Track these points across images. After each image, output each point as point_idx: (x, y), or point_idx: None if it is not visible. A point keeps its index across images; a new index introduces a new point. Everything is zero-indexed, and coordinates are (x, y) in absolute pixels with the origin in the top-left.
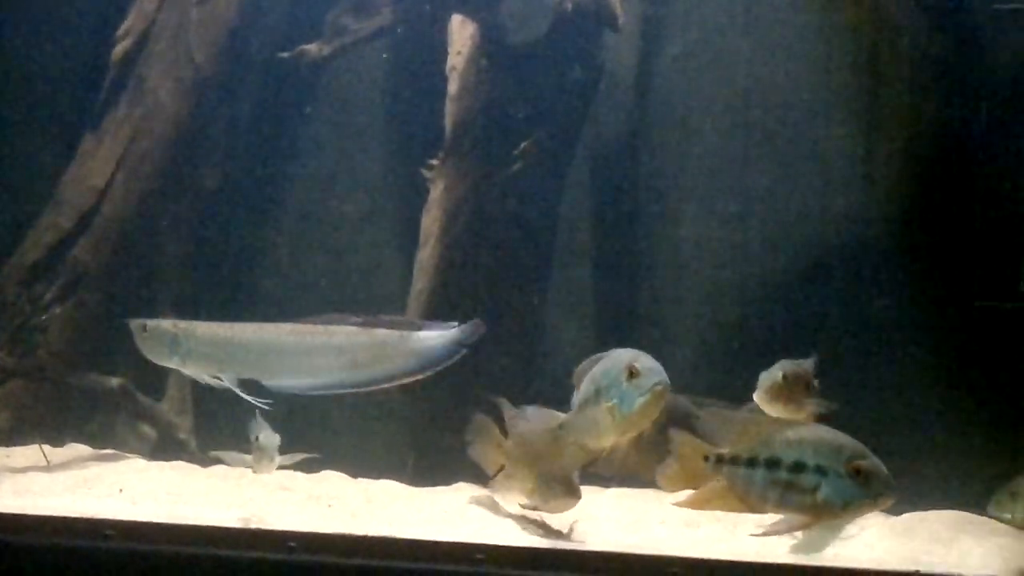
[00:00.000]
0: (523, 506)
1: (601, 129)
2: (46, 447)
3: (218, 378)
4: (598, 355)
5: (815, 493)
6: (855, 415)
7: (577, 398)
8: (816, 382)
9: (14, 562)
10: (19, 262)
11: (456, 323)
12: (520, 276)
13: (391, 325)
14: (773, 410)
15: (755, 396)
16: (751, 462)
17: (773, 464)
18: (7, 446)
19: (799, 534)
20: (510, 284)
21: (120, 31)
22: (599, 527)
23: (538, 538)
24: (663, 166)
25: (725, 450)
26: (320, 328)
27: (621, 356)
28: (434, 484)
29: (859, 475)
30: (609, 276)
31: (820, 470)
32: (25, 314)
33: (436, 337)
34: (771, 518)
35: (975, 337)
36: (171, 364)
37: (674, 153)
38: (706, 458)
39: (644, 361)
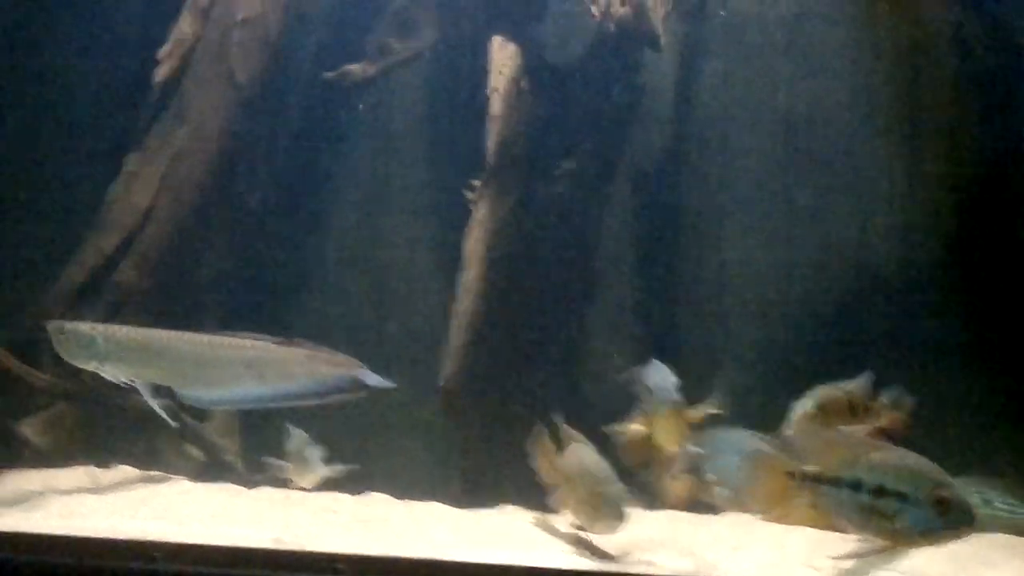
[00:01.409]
0: (573, 526)
1: (642, 148)
2: (93, 469)
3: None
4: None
5: (895, 519)
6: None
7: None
8: (871, 399)
9: None
10: (64, 284)
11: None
12: (562, 296)
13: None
14: None
15: (784, 431)
16: (834, 482)
17: (856, 486)
18: (54, 468)
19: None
20: (552, 305)
21: (162, 52)
22: (649, 550)
23: (585, 560)
24: (704, 185)
25: (809, 468)
26: (234, 341)
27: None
28: (480, 506)
29: (940, 504)
30: (651, 296)
31: (901, 496)
32: None
33: (340, 367)
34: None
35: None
36: (88, 366)
37: (715, 172)
38: (790, 475)
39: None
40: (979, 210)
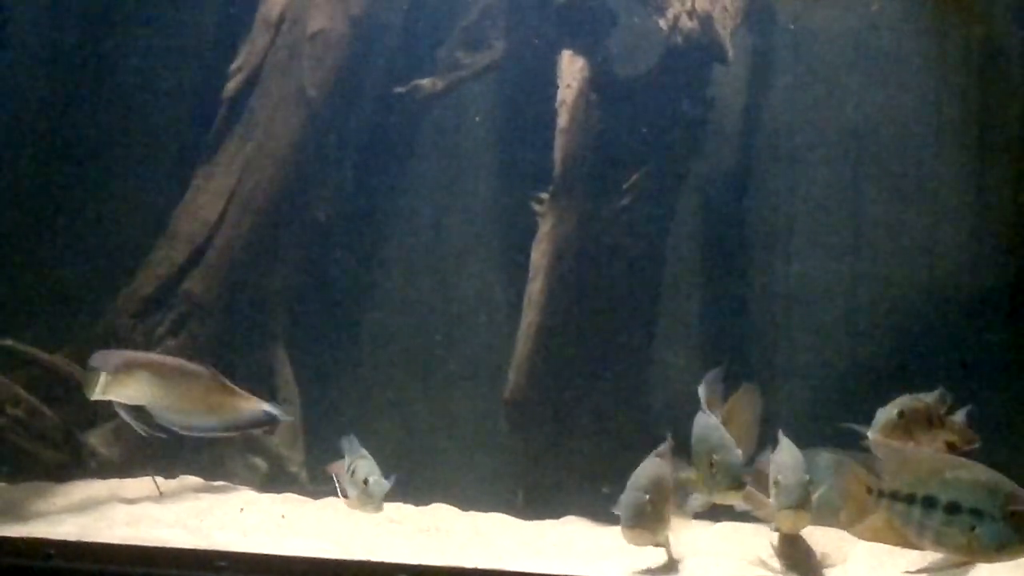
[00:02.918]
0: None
1: (710, 162)
2: (158, 479)
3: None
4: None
5: (970, 534)
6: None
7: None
8: (947, 414)
9: None
10: (132, 295)
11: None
12: (629, 310)
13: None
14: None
15: (870, 435)
16: (909, 499)
17: (930, 503)
18: (121, 478)
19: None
20: (619, 318)
21: (233, 66)
22: (711, 562)
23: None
24: (772, 199)
25: (885, 484)
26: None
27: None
28: (543, 517)
29: (1015, 519)
30: (718, 310)
31: (976, 512)
32: (138, 347)
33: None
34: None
35: None
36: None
37: (783, 186)
38: (869, 491)
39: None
40: None
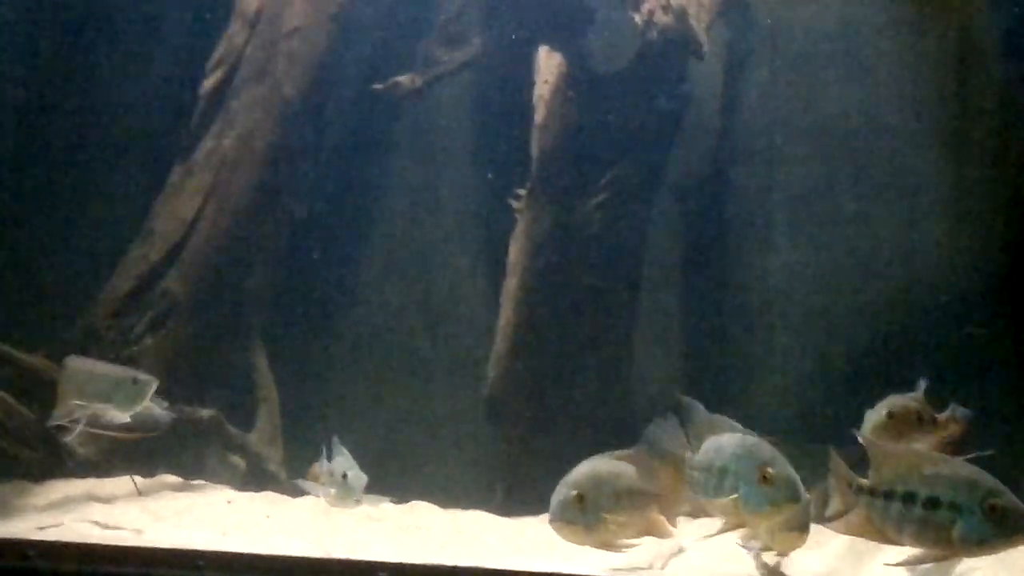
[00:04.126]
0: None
1: (687, 157)
2: (137, 478)
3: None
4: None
5: (950, 529)
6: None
7: (699, 458)
8: (932, 411)
9: None
10: (110, 294)
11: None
12: (607, 305)
13: None
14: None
15: (859, 436)
16: (888, 495)
17: (909, 498)
18: (99, 477)
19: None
20: (597, 313)
21: (209, 64)
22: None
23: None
24: (749, 193)
25: (864, 481)
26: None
27: (759, 451)
28: (524, 514)
29: (995, 513)
30: (697, 304)
31: (955, 507)
32: (116, 346)
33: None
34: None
35: None
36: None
37: (760, 180)
38: (850, 486)
39: (780, 468)
40: None
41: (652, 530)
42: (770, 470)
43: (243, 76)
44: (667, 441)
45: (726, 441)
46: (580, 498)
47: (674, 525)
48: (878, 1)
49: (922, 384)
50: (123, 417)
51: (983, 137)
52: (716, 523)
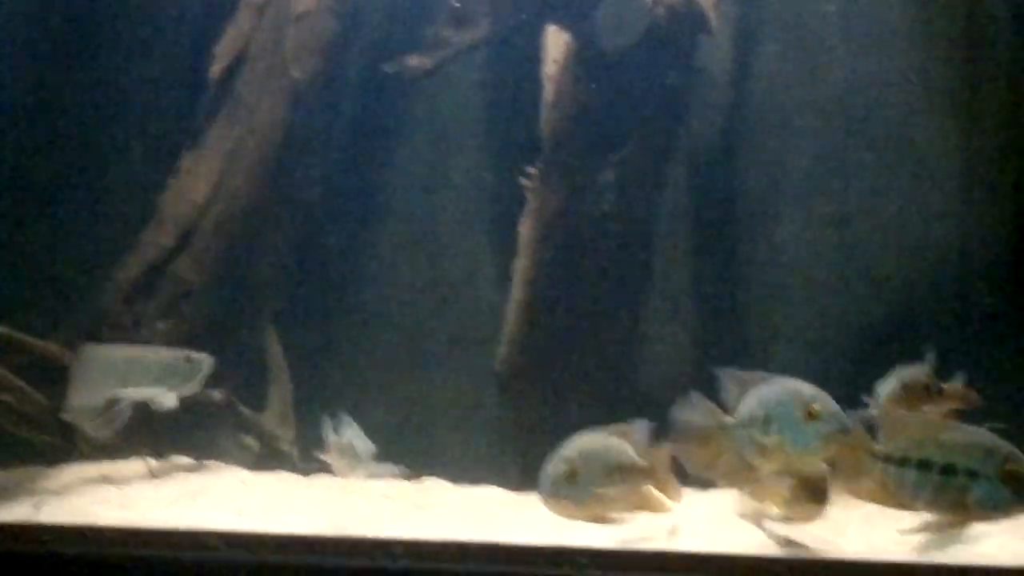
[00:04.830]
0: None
1: (697, 134)
2: (150, 460)
3: None
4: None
5: (966, 495)
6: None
7: (741, 412)
8: (939, 382)
9: (121, 574)
10: (121, 279)
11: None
12: (618, 283)
13: None
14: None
15: (872, 409)
16: (903, 461)
17: (924, 465)
18: (113, 459)
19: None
20: (608, 291)
21: (218, 48)
22: (700, 528)
23: (637, 540)
24: (761, 169)
25: (879, 447)
26: None
27: (801, 391)
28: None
29: (1011, 479)
30: (708, 281)
31: (971, 473)
32: (128, 330)
33: None
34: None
35: None
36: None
37: (772, 155)
38: (865, 453)
39: (825, 402)
40: None
41: (646, 505)
42: (815, 406)
43: (252, 61)
44: (697, 417)
45: (765, 391)
46: (571, 473)
47: (676, 500)
48: None
49: (930, 356)
50: (172, 400)
51: (993, 111)
52: (717, 498)
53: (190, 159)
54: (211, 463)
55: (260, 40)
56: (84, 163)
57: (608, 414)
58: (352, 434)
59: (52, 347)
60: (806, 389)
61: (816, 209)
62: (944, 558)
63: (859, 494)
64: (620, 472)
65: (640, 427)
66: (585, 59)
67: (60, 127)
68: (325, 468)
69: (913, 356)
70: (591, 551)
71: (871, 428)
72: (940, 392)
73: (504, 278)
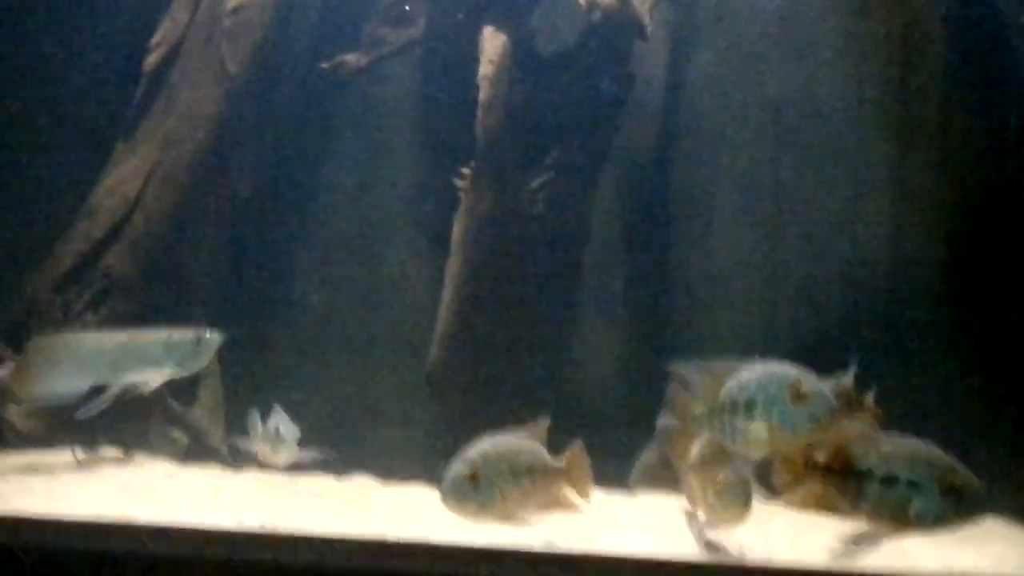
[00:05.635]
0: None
1: (631, 138)
2: (79, 451)
3: None
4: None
5: (907, 506)
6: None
7: (720, 399)
8: (858, 393)
9: (48, 565)
10: (52, 270)
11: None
12: (549, 283)
13: None
14: None
15: None
16: (846, 472)
17: (866, 475)
18: (41, 449)
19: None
20: (540, 293)
21: (153, 41)
22: (624, 531)
23: (562, 541)
24: (694, 175)
25: (820, 457)
26: None
27: (783, 373)
28: None
29: (951, 491)
30: (640, 285)
31: (913, 484)
32: (58, 321)
33: None
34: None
35: (1009, 345)
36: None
37: (705, 161)
38: (806, 463)
39: (811, 383)
40: (973, 203)
41: (556, 504)
42: (804, 387)
43: (186, 53)
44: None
45: (745, 375)
46: (472, 476)
47: (587, 500)
48: None
49: (852, 366)
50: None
51: (926, 121)
52: (656, 500)
53: (123, 151)
54: (139, 456)
55: (195, 32)
56: (16, 155)
57: (538, 413)
58: (278, 418)
59: None
60: (791, 370)
61: (747, 215)
62: (872, 565)
63: (798, 503)
64: (527, 473)
65: (542, 425)
66: (521, 61)
67: None
68: (254, 462)
69: (838, 366)
70: (519, 552)
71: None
72: (859, 404)
73: (438, 277)
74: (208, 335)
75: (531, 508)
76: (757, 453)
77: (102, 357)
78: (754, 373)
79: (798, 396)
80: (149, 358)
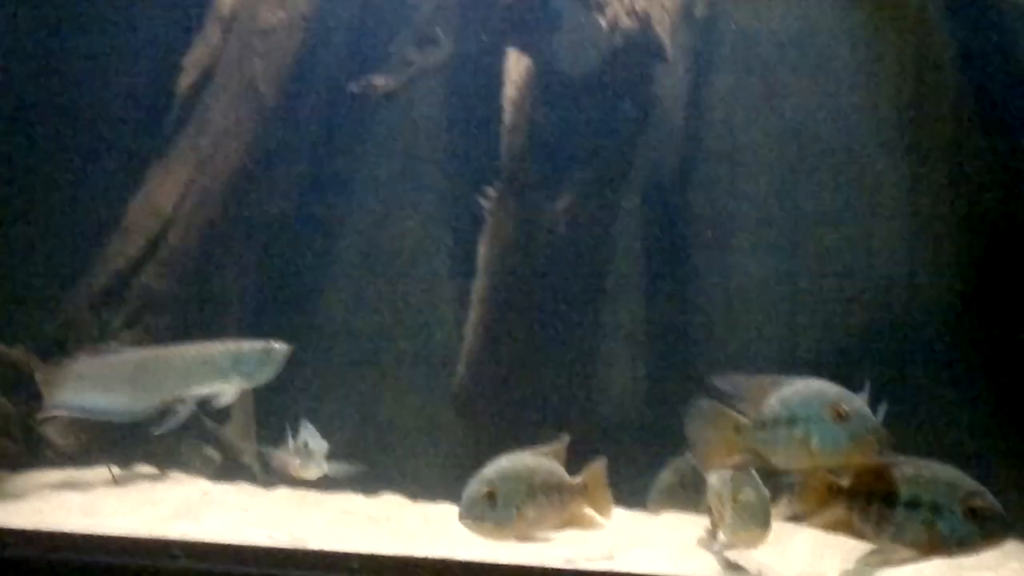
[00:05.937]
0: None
1: (654, 160)
2: (114, 468)
3: None
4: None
5: (930, 530)
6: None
7: (763, 413)
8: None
9: None
10: (88, 288)
11: None
12: (574, 305)
13: None
14: None
15: None
16: (869, 496)
17: (889, 499)
18: (77, 467)
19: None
20: (564, 313)
21: (186, 61)
22: (650, 553)
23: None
24: (714, 197)
25: (843, 481)
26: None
27: (826, 392)
28: None
29: (974, 515)
30: (662, 307)
31: (935, 508)
32: (94, 340)
33: None
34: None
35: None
36: None
37: (725, 184)
38: (830, 489)
39: (852, 403)
40: (990, 224)
41: (575, 522)
42: (844, 406)
43: (219, 74)
44: (711, 423)
45: (788, 392)
46: (490, 495)
47: (607, 517)
48: (840, 8)
49: (866, 387)
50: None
51: (939, 143)
52: (675, 519)
53: (158, 170)
54: (174, 473)
55: (228, 53)
56: (52, 174)
57: (561, 432)
58: (307, 433)
59: (20, 354)
60: (832, 389)
61: (768, 237)
62: None
63: (821, 527)
64: (544, 491)
65: (561, 443)
66: (544, 83)
67: (29, 136)
68: (285, 479)
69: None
70: (543, 569)
71: None
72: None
73: (464, 297)
74: (276, 345)
75: (549, 526)
76: (797, 468)
77: (170, 371)
78: (797, 389)
79: (839, 415)
80: (217, 370)
